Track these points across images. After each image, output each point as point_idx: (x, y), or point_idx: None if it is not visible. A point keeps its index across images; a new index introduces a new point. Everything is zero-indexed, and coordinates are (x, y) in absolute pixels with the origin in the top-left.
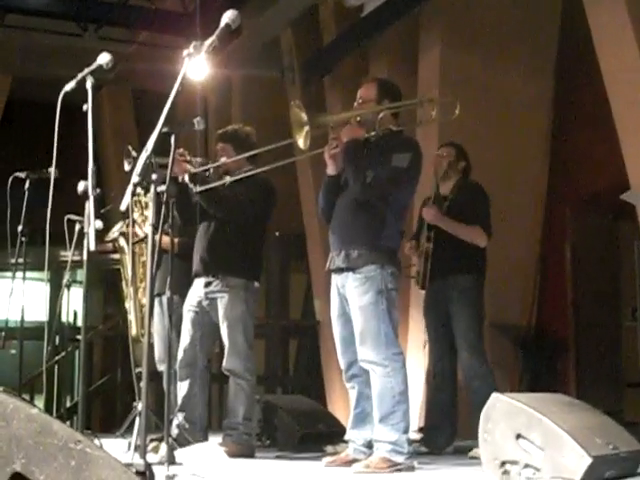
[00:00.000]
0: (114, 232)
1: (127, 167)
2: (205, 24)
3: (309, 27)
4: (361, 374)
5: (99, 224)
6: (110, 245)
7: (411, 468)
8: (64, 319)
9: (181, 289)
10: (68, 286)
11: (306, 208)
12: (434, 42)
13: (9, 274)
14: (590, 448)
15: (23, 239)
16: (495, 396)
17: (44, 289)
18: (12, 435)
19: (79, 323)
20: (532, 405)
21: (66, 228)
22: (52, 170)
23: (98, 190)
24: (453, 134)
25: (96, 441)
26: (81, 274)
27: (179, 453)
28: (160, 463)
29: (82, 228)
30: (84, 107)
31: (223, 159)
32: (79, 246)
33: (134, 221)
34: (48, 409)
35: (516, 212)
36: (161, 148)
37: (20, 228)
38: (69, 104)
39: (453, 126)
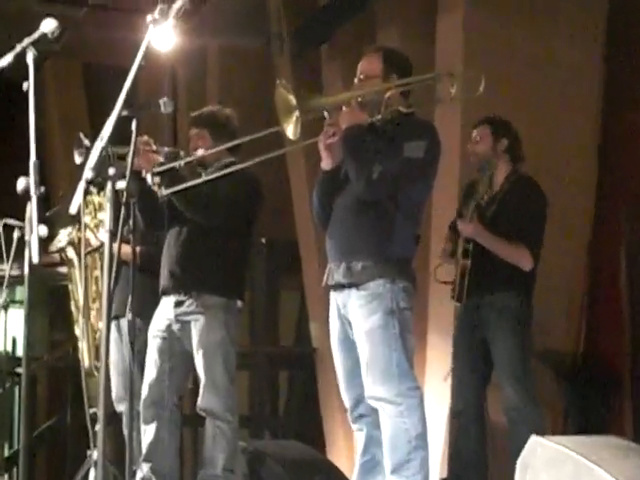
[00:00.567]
0: (60, 240)
1: (78, 159)
2: None
3: None
4: (370, 413)
5: (44, 230)
6: (57, 256)
7: None
8: (0, 348)
9: (145, 310)
10: (5, 307)
11: (299, 209)
12: (456, 1)
13: None
14: None
15: None
16: (535, 440)
17: None
18: None
19: (19, 352)
20: (580, 451)
21: (2, 236)
22: None
23: (42, 188)
24: (479, 116)
25: None
26: (21, 292)
27: None
28: None
29: (22, 235)
30: (24, 86)
31: (199, 150)
32: (18, 258)
33: (86, 226)
34: None
35: (558, 211)
36: (120, 136)
37: None
38: (5, 82)
39: (478, 106)
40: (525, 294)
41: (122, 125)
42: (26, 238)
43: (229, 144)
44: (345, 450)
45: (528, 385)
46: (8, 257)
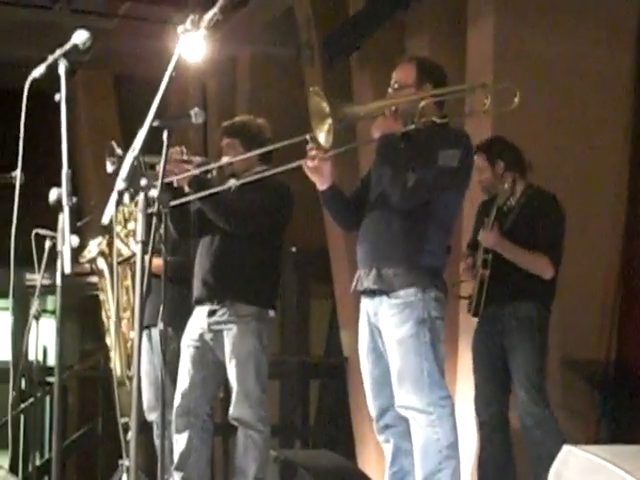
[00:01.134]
0: (91, 251)
1: (110, 168)
2: None
3: None
4: (397, 424)
5: (75, 241)
6: (87, 266)
7: None
8: (32, 357)
9: (176, 320)
10: (37, 317)
11: (329, 217)
12: (487, 9)
13: None
14: None
15: None
16: (567, 449)
17: (7, 320)
18: None
19: (51, 362)
20: (614, 460)
21: (34, 245)
22: (17, 174)
23: (74, 199)
24: (510, 127)
25: None
26: (53, 302)
27: None
28: None
29: (54, 245)
30: (56, 97)
31: (228, 158)
32: (50, 268)
33: (117, 236)
34: (13, 469)
35: (589, 218)
36: (151, 146)
37: None
38: (37, 93)
39: (510, 117)
40: (544, 303)
41: (153, 136)
42: (58, 248)
43: (260, 150)
44: (376, 459)
45: (542, 391)
46: (40, 267)
